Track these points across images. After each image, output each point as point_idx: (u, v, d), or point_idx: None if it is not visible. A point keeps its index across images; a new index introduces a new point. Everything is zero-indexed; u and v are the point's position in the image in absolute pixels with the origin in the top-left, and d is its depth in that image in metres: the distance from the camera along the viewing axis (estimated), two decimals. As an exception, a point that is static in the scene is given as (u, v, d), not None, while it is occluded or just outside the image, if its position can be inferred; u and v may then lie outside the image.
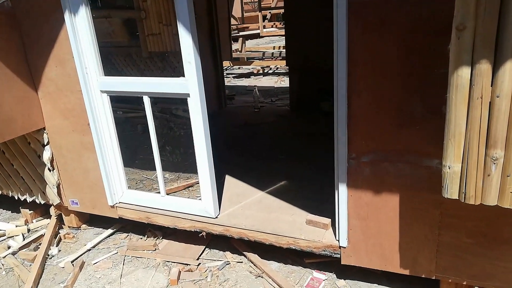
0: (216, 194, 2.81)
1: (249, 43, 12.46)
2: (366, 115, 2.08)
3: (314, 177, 3.37)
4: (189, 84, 2.46)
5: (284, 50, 10.16)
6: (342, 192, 2.26)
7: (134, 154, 4.33)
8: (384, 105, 2.02)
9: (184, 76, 2.46)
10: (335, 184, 2.32)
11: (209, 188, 2.75)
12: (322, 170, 3.39)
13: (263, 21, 9.68)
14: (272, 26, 10.86)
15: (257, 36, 9.53)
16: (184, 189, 3.90)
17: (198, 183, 2.85)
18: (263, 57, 10.34)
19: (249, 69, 9.91)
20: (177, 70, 7.05)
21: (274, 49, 10.88)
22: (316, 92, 5.04)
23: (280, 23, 11.05)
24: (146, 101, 2.64)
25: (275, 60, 9.77)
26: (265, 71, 9.50)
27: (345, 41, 1.98)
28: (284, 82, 8.29)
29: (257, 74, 9.29)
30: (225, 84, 6.47)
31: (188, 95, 2.49)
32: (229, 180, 3.45)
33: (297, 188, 3.22)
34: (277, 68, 9.66)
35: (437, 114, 1.88)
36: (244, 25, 11.14)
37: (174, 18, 6.29)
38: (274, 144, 4.35)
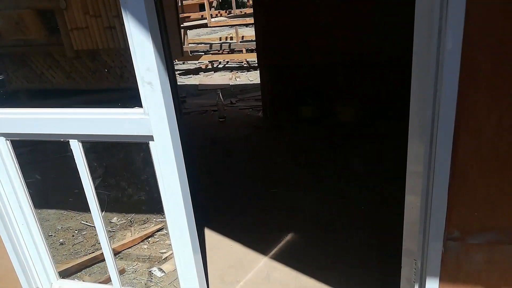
0: (203, 283, 1.79)
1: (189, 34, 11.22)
2: (485, 171, 1.17)
3: (333, 223, 2.46)
4: (152, 119, 1.41)
5: (235, 41, 9.17)
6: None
7: (69, 187, 3.18)
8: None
9: (141, 106, 1.41)
10: (409, 274, 1.41)
11: (192, 274, 1.72)
12: (338, 207, 2.49)
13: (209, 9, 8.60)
14: (217, 15, 9.77)
15: (204, 26, 8.43)
16: (142, 241, 2.87)
17: (162, 229, 1.82)
18: (210, 50, 9.24)
19: (195, 64, 8.77)
20: (112, 71, 5.83)
21: (220, 40, 9.80)
22: (295, 94, 4.12)
23: (226, 12, 9.99)
24: (76, 147, 1.55)
25: (239, 53, 8.71)
26: (215, 66, 8.42)
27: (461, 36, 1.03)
28: (240, 78, 7.29)
29: (207, 70, 8.18)
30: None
31: (150, 137, 1.45)
32: (212, 238, 2.45)
33: (311, 243, 2.29)
34: (227, 62, 8.62)
35: None
36: (185, 15, 9.92)
37: (104, 7, 5.08)
38: (258, 171, 3.38)
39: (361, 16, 3.74)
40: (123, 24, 1.31)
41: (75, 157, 1.55)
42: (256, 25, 4.18)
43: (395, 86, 3.97)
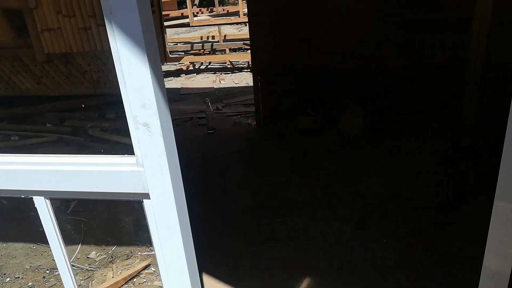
0: None
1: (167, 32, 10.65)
2: None
3: (350, 260, 2.12)
4: (149, 173, 1.02)
5: (218, 41, 8.74)
6: None
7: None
8: None
9: (133, 153, 1.03)
10: None
11: None
12: (355, 239, 2.15)
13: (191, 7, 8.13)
14: (198, 13, 9.30)
15: (186, 26, 7.96)
16: (125, 283, 2.51)
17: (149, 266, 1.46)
18: (191, 50, 8.79)
19: (175, 65, 8.31)
20: (88, 76, 5.36)
21: (202, 39, 9.35)
22: (294, 102, 3.76)
23: (207, 9, 9.53)
24: (42, 205, 1.14)
25: (222, 54, 8.27)
26: (197, 67, 7.99)
27: None
28: (225, 81, 6.89)
29: (189, 72, 7.74)
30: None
31: (144, 195, 1.06)
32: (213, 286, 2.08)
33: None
34: (210, 63, 8.19)
35: None
36: (164, 13, 9.42)
37: (79, 6, 4.61)
38: (258, 194, 3.01)
39: (365, 18, 3.41)
40: (100, 25, 0.92)
41: (41, 218, 1.15)
42: (251, 23, 3.77)
43: (404, 93, 3.67)
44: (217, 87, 6.54)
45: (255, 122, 4.35)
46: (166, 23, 8.06)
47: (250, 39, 3.82)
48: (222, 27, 8.84)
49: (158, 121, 0.95)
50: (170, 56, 8.38)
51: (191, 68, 7.97)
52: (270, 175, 3.27)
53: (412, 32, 3.31)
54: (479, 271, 1.00)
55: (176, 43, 9.82)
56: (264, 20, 3.60)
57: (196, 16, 8.61)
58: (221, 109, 5.31)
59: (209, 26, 9.80)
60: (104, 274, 2.49)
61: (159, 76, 0.96)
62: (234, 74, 7.36)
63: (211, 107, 4.00)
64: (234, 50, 8.68)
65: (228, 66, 7.85)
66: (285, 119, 3.89)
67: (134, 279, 2.45)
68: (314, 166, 3.34)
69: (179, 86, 6.76)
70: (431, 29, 3.25)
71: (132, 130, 0.98)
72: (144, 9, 0.87)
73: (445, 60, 3.32)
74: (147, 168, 1.02)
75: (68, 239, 2.71)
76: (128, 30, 0.86)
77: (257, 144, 3.82)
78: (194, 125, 4.66)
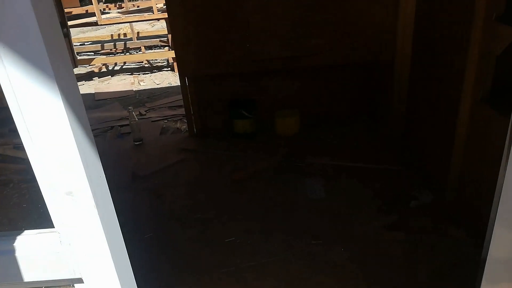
0: None
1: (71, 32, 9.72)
2: None
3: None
4: (79, 252, 0.73)
5: (131, 38, 8.14)
6: None
7: None
8: None
9: (53, 227, 0.72)
10: None
11: None
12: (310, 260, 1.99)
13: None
14: (105, 10, 8.57)
15: (94, 24, 7.25)
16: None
17: None
18: (101, 50, 8.11)
19: (85, 67, 7.60)
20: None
21: (112, 37, 8.67)
22: (227, 106, 3.51)
23: (115, 6, 8.81)
24: None
25: (138, 53, 7.68)
26: (111, 69, 7.37)
27: None
28: (144, 82, 6.42)
29: (102, 75, 7.11)
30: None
31: (76, 280, 0.77)
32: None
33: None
34: (125, 63, 7.61)
35: None
36: (66, 10, 8.56)
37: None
38: (204, 213, 2.71)
39: (296, 16, 3.25)
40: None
41: None
42: (173, 29, 3.41)
43: (338, 90, 3.62)
44: (136, 89, 6.06)
45: (185, 126, 4.03)
46: (70, 22, 7.30)
47: (173, 40, 3.45)
48: (134, 23, 8.25)
49: (88, 185, 0.66)
50: (79, 58, 7.64)
51: (104, 70, 7.33)
52: (211, 189, 2.99)
53: (337, 32, 3.26)
54: None
55: (83, 43, 9.00)
56: (185, 21, 3.27)
57: (104, 13, 7.91)
58: (145, 114, 4.90)
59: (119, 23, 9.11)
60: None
61: (83, 118, 0.67)
62: (153, 74, 6.90)
63: (135, 116, 3.59)
64: (150, 47, 8.16)
65: (146, 65, 7.34)
66: (218, 124, 3.62)
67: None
68: (250, 175, 3.13)
69: (93, 91, 6.16)
70: (357, 29, 3.23)
71: (50, 201, 0.68)
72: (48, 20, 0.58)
73: (373, 58, 3.34)
74: (76, 247, 0.72)
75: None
76: (23, 51, 0.56)
77: (192, 154, 3.48)
78: (117, 135, 4.20)
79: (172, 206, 2.81)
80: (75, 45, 8.23)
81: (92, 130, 2.88)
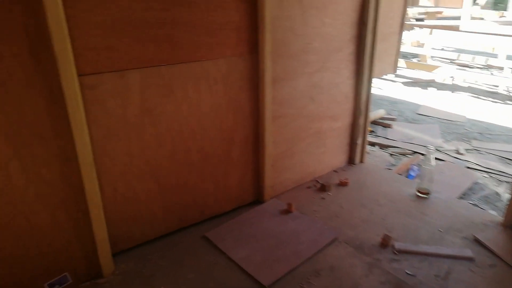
0: None
1: None
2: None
3: None
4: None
5: (493, 53, 6.67)
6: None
7: None
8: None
9: None
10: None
11: None
12: None
13: None
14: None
15: (454, 29, 6.25)
16: None
17: None
18: (456, 60, 6.98)
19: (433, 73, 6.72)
20: None
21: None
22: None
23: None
24: None
25: None
26: (455, 83, 6.22)
27: None
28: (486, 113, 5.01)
29: (443, 87, 6.10)
30: None
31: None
32: None
33: None
34: (476, 82, 6.27)
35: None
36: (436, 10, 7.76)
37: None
38: None
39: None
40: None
41: None
42: None
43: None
44: (470, 118, 4.79)
45: (510, 195, 2.66)
46: (433, 23, 6.51)
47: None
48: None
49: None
50: (429, 63, 6.82)
51: (446, 82, 6.28)
52: None
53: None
54: None
55: (443, 48, 8.08)
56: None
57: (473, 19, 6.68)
58: (463, 154, 3.70)
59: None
60: None
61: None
62: (510, 105, 5.34)
63: (432, 160, 2.50)
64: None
65: (504, 92, 5.80)
66: None
67: None
68: None
69: (420, 103, 5.31)
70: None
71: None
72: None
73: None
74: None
75: None
76: None
77: (486, 257, 2.12)
78: (408, 169, 3.27)
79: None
80: (434, 49, 7.42)
81: (388, 147, 2.20)
